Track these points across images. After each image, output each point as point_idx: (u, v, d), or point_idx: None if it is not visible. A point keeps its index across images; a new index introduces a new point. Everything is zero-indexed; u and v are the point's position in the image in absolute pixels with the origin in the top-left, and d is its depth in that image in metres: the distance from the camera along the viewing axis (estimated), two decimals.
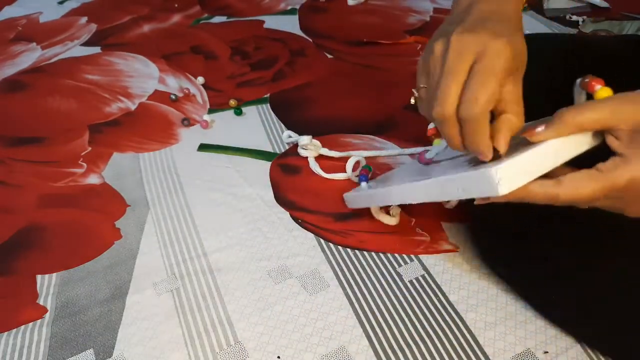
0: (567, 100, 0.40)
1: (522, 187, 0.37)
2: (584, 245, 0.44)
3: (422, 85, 0.41)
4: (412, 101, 0.44)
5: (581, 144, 0.38)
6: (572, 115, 0.36)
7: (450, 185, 0.41)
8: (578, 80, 0.41)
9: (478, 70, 0.36)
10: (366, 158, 0.68)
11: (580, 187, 0.35)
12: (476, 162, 0.41)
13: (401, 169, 0.62)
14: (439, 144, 0.55)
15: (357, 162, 0.67)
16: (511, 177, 0.36)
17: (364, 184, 0.60)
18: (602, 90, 0.38)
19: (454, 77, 0.36)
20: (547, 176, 0.37)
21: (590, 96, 0.39)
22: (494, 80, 0.35)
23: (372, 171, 0.65)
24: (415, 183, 0.46)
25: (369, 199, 0.57)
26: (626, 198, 0.36)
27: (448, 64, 0.37)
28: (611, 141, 0.36)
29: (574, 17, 1.05)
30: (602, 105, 0.35)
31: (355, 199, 0.59)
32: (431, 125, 0.60)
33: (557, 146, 0.37)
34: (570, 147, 0.38)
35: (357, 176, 0.64)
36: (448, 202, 0.56)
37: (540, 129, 0.36)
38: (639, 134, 0.34)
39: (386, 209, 0.60)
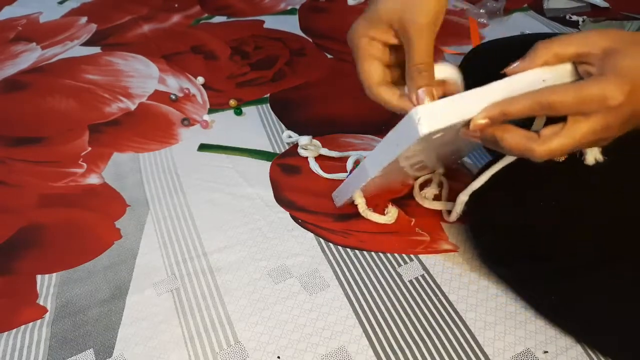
0: None
1: (497, 130, 0.38)
2: (585, 245, 0.44)
3: None
4: None
5: (522, 88, 0.38)
6: (546, 44, 0.38)
7: (390, 143, 0.43)
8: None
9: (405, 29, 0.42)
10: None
11: (562, 134, 0.36)
12: None
13: None
14: None
15: (358, 161, 0.67)
16: (432, 116, 0.37)
17: None
18: None
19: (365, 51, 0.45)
20: None
21: None
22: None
23: None
24: (367, 156, 0.48)
25: (348, 186, 0.57)
26: (607, 118, 0.35)
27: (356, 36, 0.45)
28: (585, 68, 0.37)
29: (574, 17, 1.05)
30: (572, 36, 0.38)
31: (339, 193, 0.60)
32: None
33: (496, 90, 0.38)
34: (501, 93, 0.38)
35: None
36: (450, 215, 0.57)
37: (515, 64, 0.39)
38: (610, 57, 0.35)
39: (380, 209, 0.60)
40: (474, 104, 0.38)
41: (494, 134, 0.38)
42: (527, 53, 0.39)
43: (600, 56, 0.36)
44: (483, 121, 0.38)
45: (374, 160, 0.48)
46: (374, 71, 0.45)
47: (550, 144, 0.36)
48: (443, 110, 0.38)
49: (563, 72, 0.39)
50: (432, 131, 0.37)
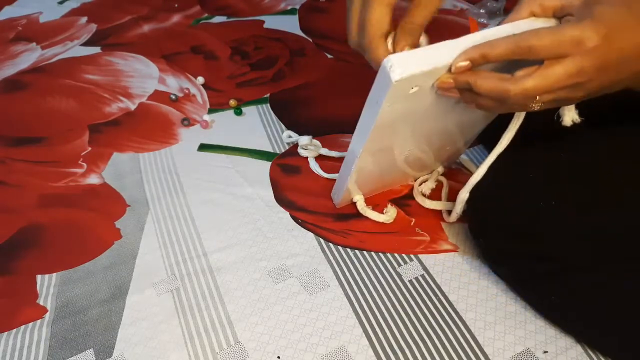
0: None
1: (471, 76, 0.38)
2: (585, 246, 0.44)
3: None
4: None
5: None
6: None
7: (368, 107, 0.43)
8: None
9: None
10: None
11: (536, 74, 0.36)
12: None
13: None
14: None
15: None
16: (405, 62, 0.37)
17: None
18: None
19: None
20: None
21: None
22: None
23: None
24: (352, 137, 0.48)
25: (341, 177, 0.56)
26: (582, 61, 0.35)
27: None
28: (567, 20, 0.37)
29: None
30: None
31: (335, 189, 0.60)
32: None
33: (471, 40, 0.38)
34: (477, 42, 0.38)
35: None
36: (450, 215, 0.57)
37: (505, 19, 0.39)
38: (588, 5, 0.35)
39: (380, 209, 0.60)
40: (449, 53, 0.38)
41: (468, 80, 0.38)
42: (515, 8, 0.39)
43: (580, 6, 0.36)
44: (464, 63, 0.38)
45: (358, 134, 0.48)
46: (384, 20, 0.42)
47: (524, 83, 0.36)
48: (416, 57, 0.38)
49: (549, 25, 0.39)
50: (405, 76, 0.37)
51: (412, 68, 0.37)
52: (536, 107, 0.38)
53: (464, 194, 0.52)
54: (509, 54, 0.36)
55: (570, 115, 0.42)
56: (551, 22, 0.39)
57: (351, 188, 0.57)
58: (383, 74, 0.38)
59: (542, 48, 0.35)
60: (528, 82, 0.36)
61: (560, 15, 0.38)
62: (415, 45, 0.43)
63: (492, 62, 0.38)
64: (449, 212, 0.57)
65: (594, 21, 0.34)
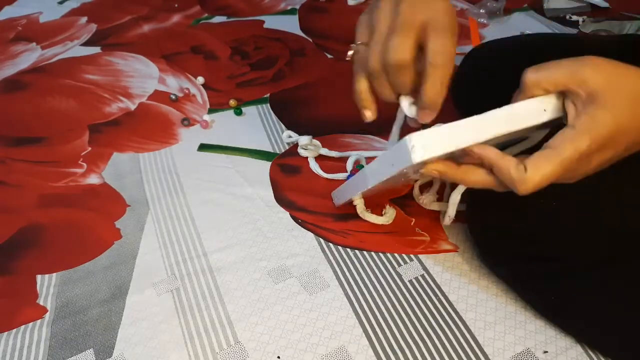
0: None
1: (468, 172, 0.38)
2: (585, 245, 0.44)
3: (360, 42, 0.44)
4: (349, 55, 0.46)
5: (522, 118, 0.38)
6: (534, 80, 0.37)
7: (385, 162, 0.42)
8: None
9: (439, 27, 0.39)
10: (366, 158, 0.68)
11: (541, 171, 0.35)
12: None
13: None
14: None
15: (358, 161, 0.67)
16: (427, 144, 0.36)
17: None
18: None
19: (410, 28, 0.40)
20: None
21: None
22: (452, 35, 0.40)
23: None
24: (369, 166, 0.47)
25: (347, 190, 0.57)
26: (575, 168, 0.36)
27: (403, 16, 0.40)
28: (569, 108, 0.36)
29: (574, 17, 1.05)
30: (562, 65, 0.36)
31: (338, 193, 0.60)
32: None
33: (495, 118, 0.37)
34: (500, 122, 0.37)
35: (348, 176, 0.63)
36: (444, 218, 0.56)
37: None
38: (590, 104, 0.35)
39: (379, 209, 0.60)
40: (470, 134, 0.37)
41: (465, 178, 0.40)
42: (518, 89, 0.39)
43: (584, 100, 0.35)
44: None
45: (374, 172, 0.47)
46: (411, 46, 0.40)
47: (535, 173, 0.36)
48: (437, 138, 0.37)
49: (558, 105, 0.38)
50: (425, 159, 0.37)
51: (433, 151, 0.37)
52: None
53: (455, 196, 0.50)
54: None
55: None
56: (551, 101, 0.38)
57: (355, 197, 0.57)
58: (403, 150, 0.37)
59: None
60: (530, 183, 0.36)
61: (564, 91, 0.37)
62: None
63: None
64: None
65: (592, 134, 0.34)
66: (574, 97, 0.36)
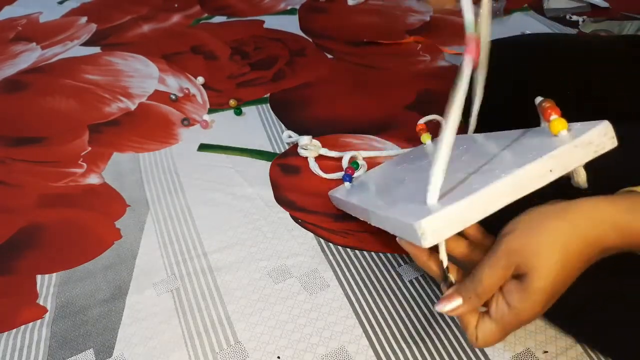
0: (564, 102, 0.40)
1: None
2: None
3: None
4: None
5: (529, 183, 0.36)
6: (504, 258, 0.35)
7: (394, 226, 0.40)
8: (538, 100, 0.40)
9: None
10: (366, 158, 0.68)
11: (488, 342, 0.36)
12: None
13: (382, 169, 0.61)
14: (427, 140, 0.59)
15: (353, 158, 0.66)
16: (435, 231, 0.35)
17: (347, 184, 0.60)
18: (556, 121, 0.37)
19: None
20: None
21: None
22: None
23: (359, 168, 0.64)
24: (376, 211, 0.45)
25: (348, 207, 0.56)
26: None
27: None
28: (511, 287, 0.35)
29: (574, 17, 1.05)
30: (528, 248, 0.34)
31: (337, 201, 0.59)
32: (421, 121, 0.61)
33: (501, 189, 0.35)
34: (507, 192, 0.36)
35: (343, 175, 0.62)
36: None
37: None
38: (524, 279, 0.34)
39: None
40: (479, 210, 0.35)
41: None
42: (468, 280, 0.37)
43: (519, 275, 0.35)
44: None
45: (380, 220, 0.44)
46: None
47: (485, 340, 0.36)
48: (447, 220, 0.35)
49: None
50: (434, 242, 0.35)
51: (442, 235, 0.35)
52: None
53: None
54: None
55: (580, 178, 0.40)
56: (556, 160, 0.36)
57: None
58: (412, 232, 0.35)
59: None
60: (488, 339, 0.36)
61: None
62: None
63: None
64: None
65: (532, 308, 0.34)
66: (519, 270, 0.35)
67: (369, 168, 0.65)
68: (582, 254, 0.34)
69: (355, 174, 0.63)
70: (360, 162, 0.66)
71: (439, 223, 0.35)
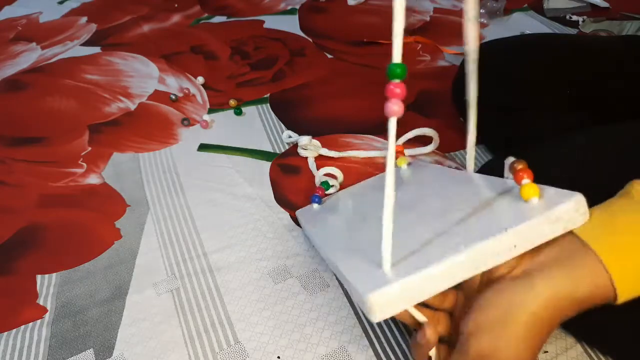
0: (564, 102, 0.40)
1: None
2: None
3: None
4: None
5: (490, 257, 0.34)
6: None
7: (352, 290, 0.37)
8: (508, 162, 0.38)
9: None
10: (364, 158, 0.68)
11: None
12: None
13: (352, 195, 0.58)
14: (402, 164, 0.57)
15: (327, 174, 0.64)
16: (385, 306, 0.33)
17: (315, 205, 0.57)
18: (527, 187, 0.35)
19: None
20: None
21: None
22: None
23: (330, 188, 0.62)
24: (330, 260, 0.44)
25: (316, 244, 0.52)
26: None
27: None
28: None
29: (574, 17, 1.05)
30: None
31: (303, 226, 0.57)
32: (401, 140, 0.59)
33: (458, 264, 0.33)
34: (466, 267, 0.34)
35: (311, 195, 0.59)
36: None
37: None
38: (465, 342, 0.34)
39: None
40: (434, 285, 0.33)
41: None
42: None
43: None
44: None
45: (343, 279, 0.40)
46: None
47: None
48: (398, 295, 0.33)
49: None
50: (382, 319, 0.33)
51: (392, 310, 0.33)
52: None
53: None
54: None
55: None
56: (521, 234, 0.34)
57: None
58: (362, 303, 0.34)
59: None
60: None
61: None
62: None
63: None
64: None
65: None
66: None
67: (369, 168, 0.65)
68: (546, 335, 0.34)
69: (328, 192, 0.61)
70: (332, 181, 0.63)
71: (390, 297, 0.33)
